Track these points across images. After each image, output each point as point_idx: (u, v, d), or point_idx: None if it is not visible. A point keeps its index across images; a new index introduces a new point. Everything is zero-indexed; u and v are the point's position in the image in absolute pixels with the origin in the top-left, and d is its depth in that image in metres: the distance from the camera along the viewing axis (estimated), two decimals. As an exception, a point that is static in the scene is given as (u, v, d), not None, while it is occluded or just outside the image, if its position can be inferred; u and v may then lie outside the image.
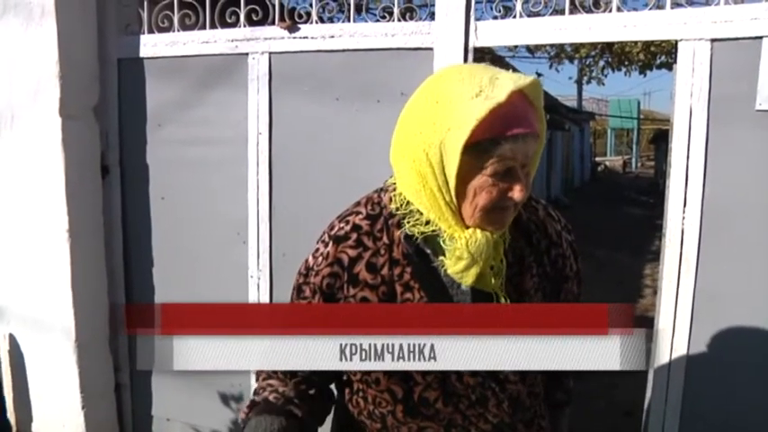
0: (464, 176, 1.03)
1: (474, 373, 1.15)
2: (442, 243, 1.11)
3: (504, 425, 1.19)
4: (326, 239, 1.19)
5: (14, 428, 2.90)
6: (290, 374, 1.23)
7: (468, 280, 1.10)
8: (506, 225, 1.10)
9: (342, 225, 1.19)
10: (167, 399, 2.89)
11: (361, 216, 1.19)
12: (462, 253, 1.07)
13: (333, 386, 1.32)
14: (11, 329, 2.85)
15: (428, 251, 1.14)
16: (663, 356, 2.06)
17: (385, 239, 1.15)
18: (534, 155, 1.06)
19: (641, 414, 2.21)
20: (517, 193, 1.04)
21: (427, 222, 1.11)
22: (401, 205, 1.14)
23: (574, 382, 1.44)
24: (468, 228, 1.08)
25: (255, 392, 1.25)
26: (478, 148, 1.00)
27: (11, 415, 2.89)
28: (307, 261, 1.22)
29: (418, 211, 1.11)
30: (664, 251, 2.05)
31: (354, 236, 1.17)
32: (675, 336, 2.03)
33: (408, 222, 1.12)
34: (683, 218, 1.99)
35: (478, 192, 1.04)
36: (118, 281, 2.88)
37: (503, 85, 0.99)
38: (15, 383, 2.87)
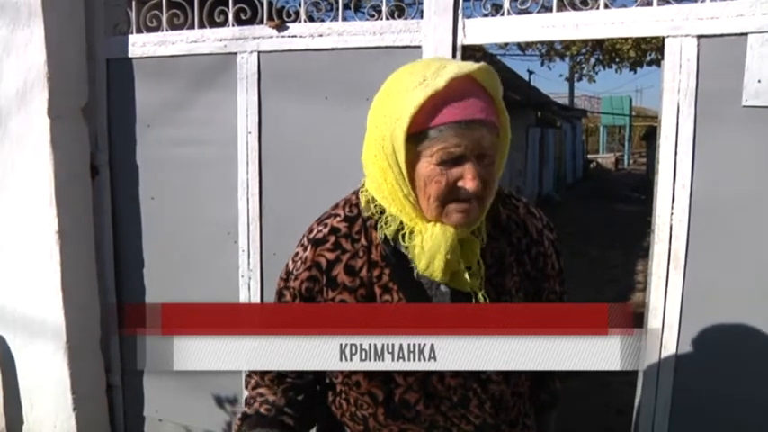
0: (415, 167, 1.05)
1: (455, 374, 1.14)
2: (402, 239, 1.11)
3: (487, 425, 1.18)
4: (305, 243, 1.20)
5: (5, 430, 2.88)
6: (278, 381, 1.23)
7: (437, 275, 1.09)
8: (470, 221, 1.08)
9: (320, 228, 1.20)
10: (159, 399, 2.88)
11: (339, 218, 1.19)
12: (421, 247, 1.08)
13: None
14: (1, 331, 2.83)
15: (406, 252, 1.13)
16: (652, 353, 2.07)
17: (363, 241, 1.15)
18: (492, 145, 1.04)
19: (633, 413, 2.22)
20: (468, 182, 1.02)
21: (390, 220, 1.12)
22: (368, 202, 1.15)
23: (561, 384, 1.42)
24: (429, 222, 1.09)
25: (246, 403, 1.25)
26: (422, 137, 1.02)
27: (1, 417, 2.87)
28: (287, 265, 1.22)
29: (383, 208, 1.13)
30: (653, 248, 2.06)
31: (332, 239, 1.17)
32: (665, 332, 2.04)
33: (379, 222, 1.14)
34: (672, 214, 2.00)
35: (428, 182, 1.04)
36: (108, 282, 2.87)
37: (445, 72, 1.00)
38: (6, 385, 2.85)
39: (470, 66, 1.02)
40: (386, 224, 1.12)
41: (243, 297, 2.61)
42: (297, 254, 1.21)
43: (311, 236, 1.20)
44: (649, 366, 2.08)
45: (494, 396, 1.18)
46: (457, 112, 1.00)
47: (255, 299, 2.58)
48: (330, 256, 1.16)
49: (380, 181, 1.10)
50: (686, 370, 2.04)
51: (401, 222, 1.11)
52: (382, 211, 1.13)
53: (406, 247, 1.11)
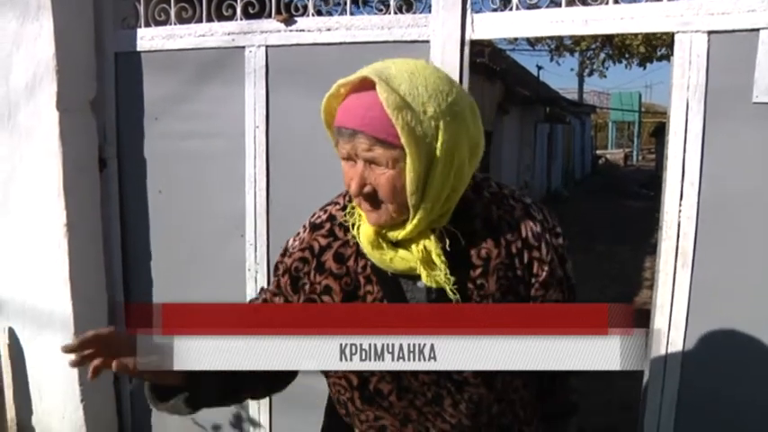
0: None
1: (428, 371, 1.14)
2: (352, 227, 1.18)
3: (464, 427, 1.17)
4: (306, 225, 1.27)
5: (14, 421, 2.91)
6: None
7: (386, 267, 1.14)
8: (378, 222, 1.10)
9: (320, 213, 1.27)
10: (166, 392, 2.89)
11: (338, 207, 1.25)
12: (359, 234, 1.15)
13: None
14: (10, 323, 2.85)
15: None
16: (659, 350, 2.06)
17: (355, 231, 1.18)
18: (376, 155, 1.04)
19: (638, 409, 2.21)
20: (347, 180, 1.09)
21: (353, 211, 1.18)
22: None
23: (576, 395, 1.35)
24: None
25: None
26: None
27: (10, 408, 2.90)
28: (287, 242, 1.29)
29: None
30: (660, 244, 2.05)
31: (328, 225, 1.23)
32: (671, 330, 2.03)
33: (346, 213, 1.20)
34: (680, 211, 1.99)
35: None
36: (116, 274, 2.88)
37: (349, 77, 1.06)
38: (15, 376, 2.88)
39: (361, 72, 1.05)
40: (349, 214, 1.19)
41: (250, 291, 2.61)
42: (298, 233, 1.27)
43: (311, 219, 1.27)
44: (655, 362, 2.08)
45: (471, 399, 1.16)
46: (339, 117, 1.07)
47: (262, 293, 2.58)
48: (323, 241, 1.21)
49: None
50: (693, 368, 2.03)
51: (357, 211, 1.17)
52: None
53: (353, 236, 1.18)
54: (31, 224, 2.73)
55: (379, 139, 1.03)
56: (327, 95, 1.08)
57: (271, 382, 1.30)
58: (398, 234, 1.11)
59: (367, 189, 1.07)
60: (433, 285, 1.12)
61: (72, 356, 1.09)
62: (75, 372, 2.74)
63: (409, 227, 1.09)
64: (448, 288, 1.10)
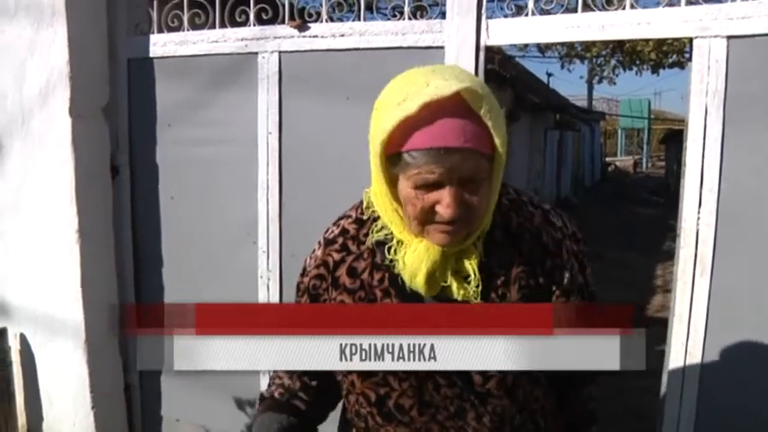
0: (397, 185, 1.03)
1: (451, 385, 1.12)
2: (387, 251, 1.11)
3: None
4: (321, 241, 1.24)
5: (25, 428, 2.90)
6: None
7: (420, 290, 1.08)
8: (453, 241, 1.05)
9: (333, 228, 1.24)
10: (177, 400, 2.88)
11: (350, 220, 1.21)
12: (404, 262, 1.08)
13: None
14: (21, 329, 2.85)
15: (391, 264, 1.12)
16: (677, 359, 2.03)
17: (369, 244, 1.16)
18: (476, 170, 0.99)
19: (653, 417, 2.18)
20: (444, 208, 0.99)
21: (383, 227, 1.12)
22: (367, 206, 1.17)
23: (595, 404, 1.33)
24: (416, 237, 1.08)
25: (268, 384, 1.31)
26: (398, 159, 1.00)
27: (21, 414, 2.89)
28: (305, 261, 1.27)
29: (379, 214, 1.13)
30: (678, 252, 2.02)
31: (341, 240, 1.20)
32: (690, 338, 2.00)
33: (372, 228, 1.14)
34: (698, 218, 1.96)
35: (406, 203, 1.03)
36: (127, 281, 2.87)
37: (422, 94, 0.95)
38: (26, 383, 2.87)
39: (451, 87, 0.95)
40: (377, 230, 1.13)
41: (262, 298, 2.60)
42: (313, 251, 1.25)
43: (325, 235, 1.24)
44: (673, 371, 2.04)
45: (495, 411, 1.14)
46: (428, 138, 0.96)
47: (274, 300, 2.57)
48: (337, 256, 1.19)
49: (376, 190, 1.10)
50: (712, 379, 1.99)
51: (391, 232, 1.11)
52: (378, 218, 1.14)
53: (391, 260, 1.11)
54: (43, 230, 2.73)
55: (484, 154, 0.99)
56: (403, 117, 0.96)
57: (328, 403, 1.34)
58: (455, 249, 1.07)
59: (463, 209, 1.00)
60: (460, 299, 1.09)
61: None
62: (86, 378, 2.74)
63: (474, 236, 1.07)
64: (476, 302, 1.08)
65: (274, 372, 1.31)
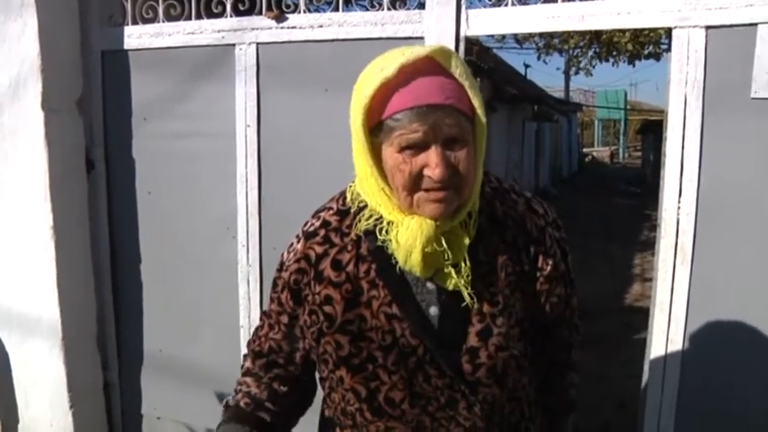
0: (382, 159, 1.04)
1: (442, 375, 1.11)
2: (379, 233, 1.10)
3: (478, 429, 1.15)
4: (299, 235, 1.21)
5: (0, 429, 2.85)
6: (266, 370, 1.27)
7: (416, 271, 1.07)
8: (446, 211, 1.04)
9: (313, 221, 1.21)
10: (157, 397, 2.84)
11: (331, 212, 1.19)
12: (397, 241, 1.06)
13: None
14: (-5, 328, 2.79)
15: (384, 246, 1.10)
16: (659, 348, 2.04)
17: (353, 235, 1.14)
18: (461, 129, 1.00)
19: (635, 406, 2.19)
20: (432, 169, 0.99)
21: (371, 215, 1.11)
22: (353, 196, 1.15)
23: (576, 390, 1.36)
24: (408, 216, 1.06)
25: (234, 390, 1.29)
26: (381, 128, 1.01)
27: (-3, 415, 2.84)
28: (282, 255, 1.24)
29: (366, 203, 1.12)
30: (659, 242, 2.03)
31: (322, 232, 1.17)
32: (671, 328, 2.02)
33: (359, 217, 1.13)
34: (679, 208, 1.97)
35: (394, 172, 1.02)
36: (104, 277, 2.82)
37: (396, 60, 0.98)
38: (1, 383, 2.81)
39: (424, 49, 0.99)
40: (365, 219, 1.11)
41: (242, 292, 2.57)
42: (291, 245, 1.22)
43: (305, 228, 1.21)
44: (655, 360, 2.06)
45: (485, 399, 1.14)
46: (409, 98, 0.98)
47: (255, 294, 2.55)
48: (319, 249, 1.16)
49: (361, 175, 1.09)
50: (693, 366, 2.01)
51: (380, 217, 1.10)
52: (365, 206, 1.12)
53: (383, 241, 1.09)
54: (17, 227, 2.67)
55: (463, 113, 1.00)
56: (383, 79, 0.97)
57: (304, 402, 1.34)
58: (447, 225, 1.06)
59: (451, 172, 1.00)
60: (450, 287, 1.08)
61: None
62: (63, 378, 2.69)
63: (463, 211, 1.07)
64: (466, 291, 1.07)
65: (242, 377, 1.29)
